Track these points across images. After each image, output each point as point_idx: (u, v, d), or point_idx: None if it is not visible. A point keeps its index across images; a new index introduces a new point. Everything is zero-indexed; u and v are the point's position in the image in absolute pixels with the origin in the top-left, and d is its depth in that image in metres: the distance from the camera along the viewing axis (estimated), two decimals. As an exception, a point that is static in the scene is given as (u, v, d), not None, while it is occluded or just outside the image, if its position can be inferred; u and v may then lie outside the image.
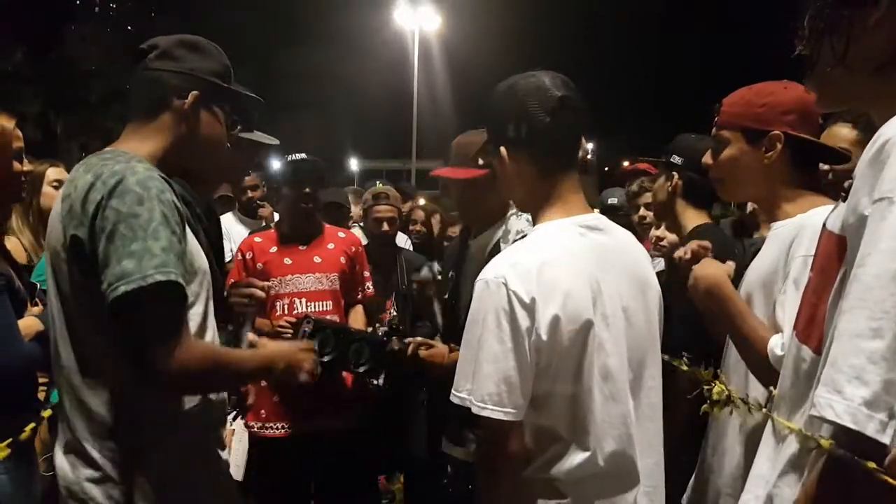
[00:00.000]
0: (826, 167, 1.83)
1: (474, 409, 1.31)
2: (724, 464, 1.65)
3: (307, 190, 2.78)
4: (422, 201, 5.70)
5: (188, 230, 1.42)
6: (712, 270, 1.61)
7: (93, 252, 1.27)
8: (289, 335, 2.46)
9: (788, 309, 1.44)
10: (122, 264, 1.23)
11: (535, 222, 1.49)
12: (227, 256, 3.16)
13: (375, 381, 2.43)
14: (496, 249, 2.16)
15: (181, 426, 1.40)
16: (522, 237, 1.94)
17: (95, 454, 1.33)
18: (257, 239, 2.87)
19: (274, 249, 2.82)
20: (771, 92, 1.62)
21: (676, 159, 2.26)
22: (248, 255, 2.81)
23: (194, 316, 1.40)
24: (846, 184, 0.99)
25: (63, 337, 1.36)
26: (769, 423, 1.22)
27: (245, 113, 1.72)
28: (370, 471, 3.22)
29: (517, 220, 2.23)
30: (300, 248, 2.83)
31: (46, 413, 1.87)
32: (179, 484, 1.38)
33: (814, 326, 1.04)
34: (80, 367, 1.35)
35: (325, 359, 2.30)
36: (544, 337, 1.29)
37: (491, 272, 1.35)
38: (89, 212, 1.28)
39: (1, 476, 1.75)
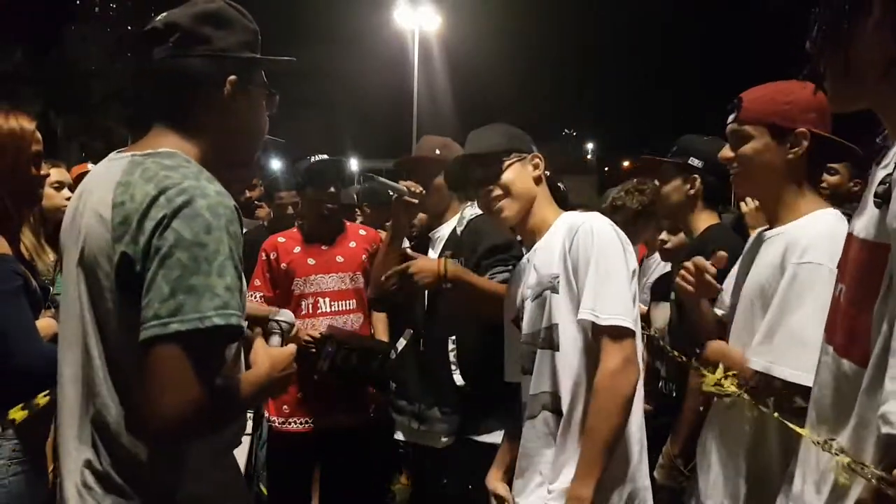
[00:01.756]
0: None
1: (604, 321, 1.62)
2: (731, 469, 1.64)
3: (332, 190, 2.81)
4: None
5: None
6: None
7: (143, 272, 1.12)
8: (313, 349, 2.53)
9: (769, 316, 1.50)
10: (176, 298, 1.08)
11: (531, 216, 1.85)
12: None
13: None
14: (454, 235, 2.45)
15: (216, 454, 1.29)
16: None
17: (120, 480, 1.19)
18: (280, 239, 2.89)
19: (297, 249, 2.84)
20: (793, 90, 1.63)
21: (696, 162, 2.24)
22: (273, 256, 2.83)
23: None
24: (878, 189, 0.95)
25: (97, 355, 1.21)
26: (806, 444, 1.14)
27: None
28: (382, 468, 3.26)
29: (471, 209, 2.49)
30: (323, 247, 2.86)
31: (42, 400, 1.81)
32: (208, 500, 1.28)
33: (854, 340, 0.99)
34: (117, 393, 1.20)
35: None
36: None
37: (590, 219, 1.75)
38: (147, 229, 1.12)
39: (12, 478, 1.74)
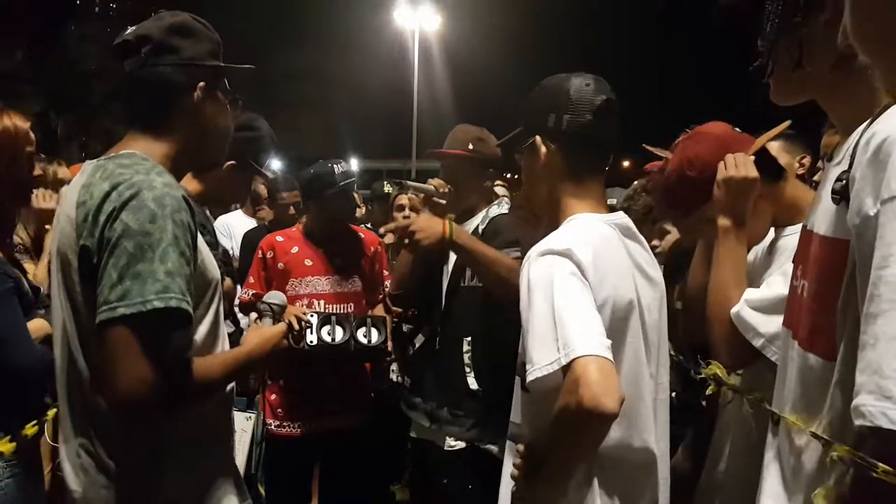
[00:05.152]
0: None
1: (583, 360, 1.16)
2: (727, 469, 1.65)
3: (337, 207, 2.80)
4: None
5: (202, 242, 1.39)
6: None
7: (99, 263, 1.22)
8: (298, 332, 2.53)
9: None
10: (123, 284, 1.17)
11: (557, 218, 1.48)
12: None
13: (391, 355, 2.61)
14: (475, 234, 2.36)
15: (195, 430, 1.36)
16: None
17: (108, 461, 1.29)
18: (279, 238, 2.88)
19: (295, 249, 2.83)
20: (693, 156, 1.62)
21: None
22: (269, 255, 2.81)
23: (206, 323, 1.38)
24: (836, 186, 0.96)
25: (75, 346, 1.31)
26: (773, 440, 1.15)
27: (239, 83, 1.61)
28: (382, 469, 3.25)
29: (497, 208, 2.43)
30: (322, 249, 2.84)
31: (51, 413, 1.86)
32: (194, 488, 1.36)
33: (819, 334, 1.01)
34: (94, 376, 1.29)
35: (337, 340, 2.50)
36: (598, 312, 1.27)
37: (552, 245, 1.31)
38: (100, 222, 1.22)
39: (7, 480, 1.74)
